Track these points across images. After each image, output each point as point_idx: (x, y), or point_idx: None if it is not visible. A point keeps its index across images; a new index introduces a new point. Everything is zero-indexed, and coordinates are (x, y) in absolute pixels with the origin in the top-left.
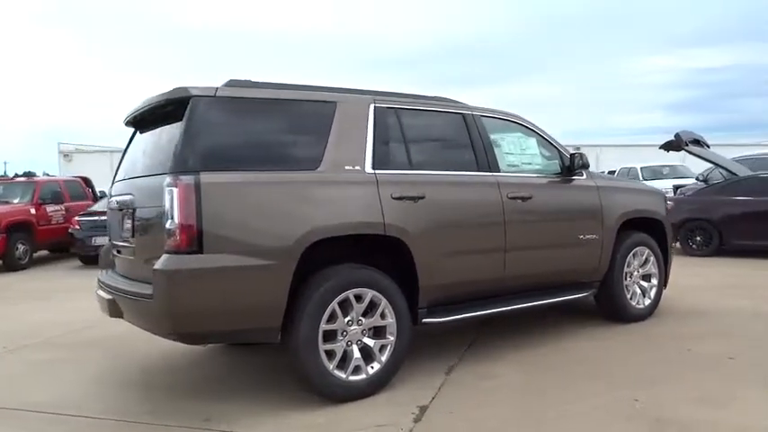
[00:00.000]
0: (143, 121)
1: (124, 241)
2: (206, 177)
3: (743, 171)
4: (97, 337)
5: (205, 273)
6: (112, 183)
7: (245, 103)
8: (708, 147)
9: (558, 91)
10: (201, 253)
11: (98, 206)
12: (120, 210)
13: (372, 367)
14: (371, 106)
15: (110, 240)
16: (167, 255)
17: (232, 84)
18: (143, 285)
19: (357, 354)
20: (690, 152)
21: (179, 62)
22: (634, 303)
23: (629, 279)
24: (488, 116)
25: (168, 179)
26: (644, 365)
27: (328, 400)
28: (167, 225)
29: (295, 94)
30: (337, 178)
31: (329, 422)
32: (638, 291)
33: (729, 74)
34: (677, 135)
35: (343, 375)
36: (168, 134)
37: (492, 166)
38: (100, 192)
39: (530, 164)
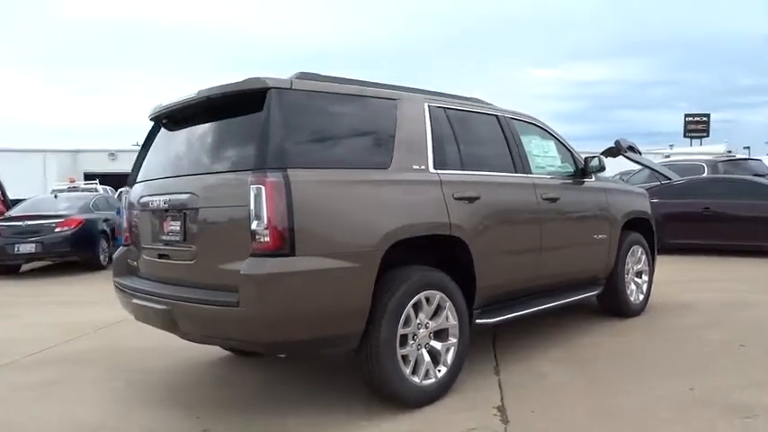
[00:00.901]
0: (186, 115)
1: (171, 245)
2: (293, 174)
3: (675, 176)
4: (81, 351)
5: (298, 276)
6: (130, 184)
7: (319, 97)
8: (640, 153)
9: None
10: (293, 255)
11: (17, 211)
12: (166, 211)
13: (440, 371)
14: (426, 105)
15: (132, 244)
16: (255, 258)
17: (303, 76)
18: (215, 292)
19: (427, 357)
20: (628, 158)
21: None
22: (632, 299)
23: (627, 276)
24: (516, 118)
25: (253, 176)
26: (673, 356)
27: (397, 407)
28: (254, 226)
29: (363, 90)
30: (409, 178)
31: (418, 430)
32: (634, 287)
33: (607, 87)
34: (617, 142)
35: (417, 380)
36: (235, 128)
37: (525, 167)
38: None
39: (552, 166)
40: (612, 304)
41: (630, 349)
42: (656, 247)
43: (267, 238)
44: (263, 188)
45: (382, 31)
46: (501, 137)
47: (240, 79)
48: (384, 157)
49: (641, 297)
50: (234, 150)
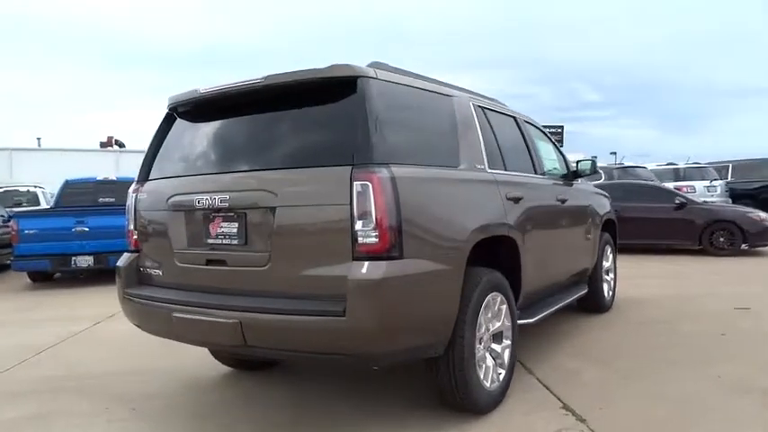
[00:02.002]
0: (238, 103)
1: (225, 249)
2: (396, 170)
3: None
4: (47, 378)
5: (408, 281)
6: (141, 181)
7: (397, 89)
8: None
9: None
10: (402, 258)
11: None
12: (217, 211)
13: (500, 374)
14: (471, 103)
15: (145, 250)
16: (364, 262)
17: (379, 66)
18: (305, 302)
19: (491, 361)
20: None
21: None
22: (606, 295)
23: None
24: (527, 120)
25: (356, 172)
26: (674, 348)
27: (464, 416)
28: (358, 226)
29: (427, 85)
30: (478, 177)
31: None
32: (605, 284)
33: None
34: None
35: (487, 385)
36: (317, 119)
37: (541, 169)
38: None
39: (554, 168)
40: (591, 301)
41: (629, 342)
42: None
43: (375, 240)
44: (369, 185)
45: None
46: (521, 138)
47: (321, 66)
48: (453, 155)
49: (610, 293)
50: (320, 143)
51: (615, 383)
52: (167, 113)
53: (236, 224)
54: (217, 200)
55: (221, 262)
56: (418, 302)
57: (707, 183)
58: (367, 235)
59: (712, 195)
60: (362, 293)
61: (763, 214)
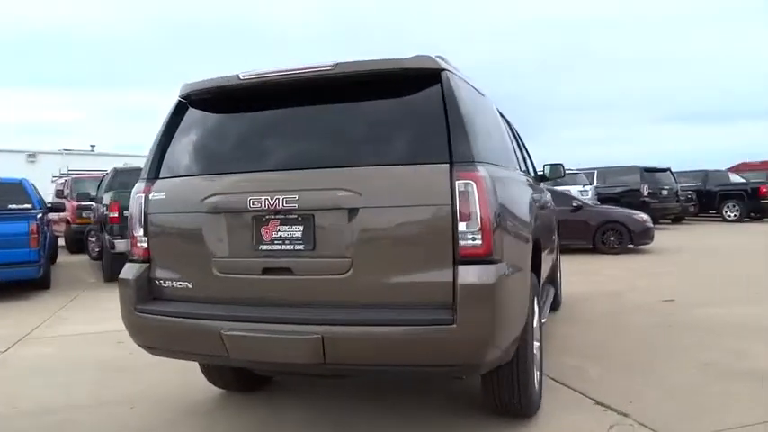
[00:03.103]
0: (288, 92)
1: (287, 256)
2: (490, 169)
3: None
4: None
5: (509, 284)
6: (149, 179)
7: (469, 87)
8: None
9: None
10: (502, 260)
11: None
12: (275, 213)
13: (536, 374)
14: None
15: (164, 260)
16: (470, 266)
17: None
18: (402, 311)
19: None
20: None
21: None
22: (559, 292)
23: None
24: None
25: (458, 170)
26: (642, 341)
27: (510, 420)
28: (462, 228)
29: (474, 83)
30: (521, 177)
31: None
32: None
33: None
34: None
35: (536, 386)
36: (396, 111)
37: (529, 169)
38: None
39: (529, 168)
40: (554, 299)
41: (600, 338)
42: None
43: (479, 242)
44: (473, 184)
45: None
46: (516, 139)
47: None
48: (505, 156)
49: (560, 291)
50: (402, 139)
51: (622, 378)
52: (178, 103)
53: (301, 227)
54: (281, 200)
55: (285, 271)
56: (513, 306)
57: (580, 187)
58: (471, 237)
59: (585, 199)
60: (476, 299)
61: (645, 216)
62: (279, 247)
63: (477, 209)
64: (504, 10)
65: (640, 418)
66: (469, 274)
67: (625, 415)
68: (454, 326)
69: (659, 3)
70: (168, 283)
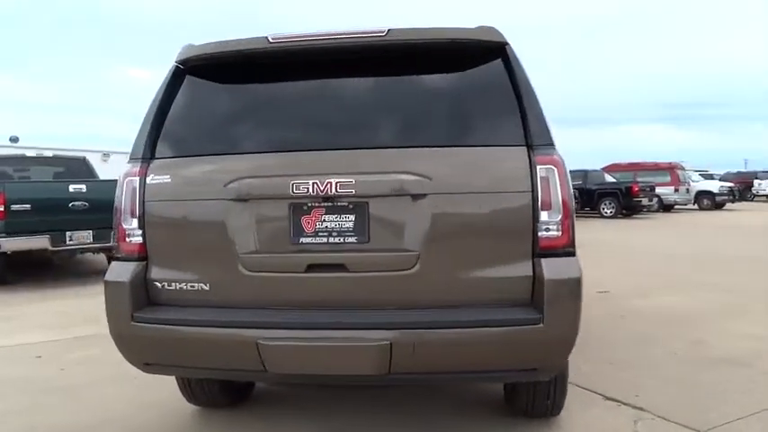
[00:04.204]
0: (324, 60)
1: (342, 250)
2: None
3: None
4: None
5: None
6: (143, 158)
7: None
8: None
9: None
10: (574, 255)
11: None
12: (323, 200)
13: None
14: None
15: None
16: (553, 258)
17: None
18: (480, 310)
19: None
20: None
21: None
22: None
23: None
24: None
25: (539, 154)
26: (604, 334)
27: (530, 419)
28: (544, 217)
29: None
30: None
31: None
32: None
33: None
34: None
35: None
36: (450, 87)
37: None
38: None
39: None
40: None
41: None
42: None
43: (558, 233)
44: (554, 169)
45: None
46: None
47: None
48: None
49: None
50: (468, 117)
51: (613, 371)
52: (175, 70)
53: (353, 217)
54: (333, 185)
55: (337, 267)
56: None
57: None
58: (551, 228)
59: None
60: (564, 296)
61: None
62: (324, 239)
63: (558, 196)
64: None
65: (657, 411)
66: (556, 268)
67: (641, 409)
68: (541, 325)
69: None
70: (174, 286)
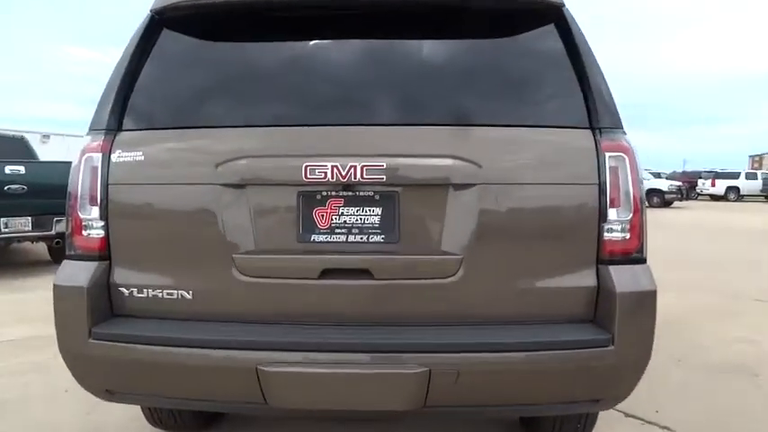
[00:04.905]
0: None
1: (365, 251)
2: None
3: None
4: None
5: None
6: (108, 132)
7: None
8: None
9: None
10: (645, 261)
11: None
12: (344, 188)
13: None
14: None
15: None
16: (622, 266)
17: None
18: (532, 329)
19: None
20: None
21: None
22: None
23: None
24: None
25: (607, 139)
26: None
27: None
28: (612, 216)
29: None
30: None
31: None
32: None
33: None
34: None
35: None
36: (497, 53)
37: None
38: None
39: None
40: None
41: None
42: None
43: (627, 235)
44: (625, 158)
45: None
46: None
47: None
48: None
49: None
50: (523, 91)
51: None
52: (150, 21)
53: (379, 209)
54: (359, 169)
55: (360, 274)
56: None
57: None
58: (620, 228)
59: None
60: (638, 312)
61: None
62: (343, 238)
63: (629, 191)
64: None
65: (681, 428)
66: (627, 279)
67: (667, 429)
68: (611, 348)
69: None
70: (146, 293)
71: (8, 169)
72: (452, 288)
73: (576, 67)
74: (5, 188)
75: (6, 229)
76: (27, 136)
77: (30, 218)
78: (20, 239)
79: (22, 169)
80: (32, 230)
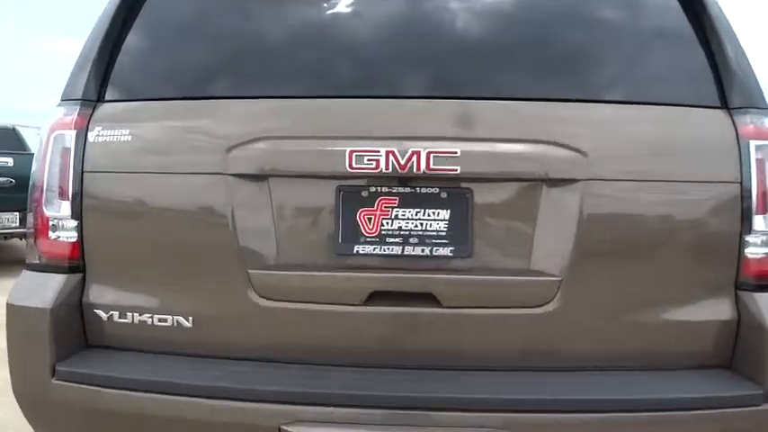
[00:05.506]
0: None
1: (426, 269)
2: None
3: None
4: None
5: None
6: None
7: None
8: None
9: None
10: None
11: None
12: (404, 183)
13: None
14: None
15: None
16: None
17: None
18: (659, 378)
19: None
20: None
21: None
22: None
23: None
24: None
25: (748, 123)
26: None
27: None
28: (759, 225)
29: None
30: None
31: None
32: None
33: None
34: None
35: None
36: (603, 15)
37: None
38: None
39: None
40: None
41: None
42: None
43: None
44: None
45: None
46: None
47: None
48: None
49: None
50: (633, 60)
51: None
52: None
53: (446, 211)
54: (423, 158)
55: (419, 299)
56: None
57: None
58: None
59: None
60: None
61: None
62: (397, 249)
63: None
64: None
65: None
66: None
67: None
68: (765, 406)
69: None
70: (130, 318)
71: None
72: (546, 321)
73: (705, 34)
74: None
75: None
76: (24, 130)
77: (17, 213)
78: (6, 236)
79: (9, 161)
80: (20, 226)
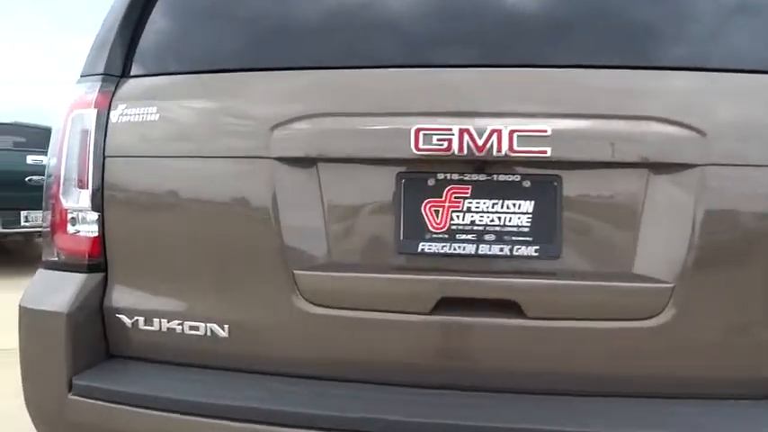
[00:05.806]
0: None
1: (508, 272)
2: None
3: None
4: None
5: None
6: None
7: None
8: None
9: None
10: None
11: None
12: (480, 168)
13: None
14: None
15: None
16: None
17: None
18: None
19: None
20: None
21: None
22: None
23: None
24: None
25: None
26: None
27: None
28: None
29: None
30: None
31: None
32: None
33: None
34: None
35: None
36: None
37: None
38: None
39: None
40: None
41: None
42: None
43: None
44: None
45: None
46: None
47: None
48: None
49: None
50: (729, 20)
51: None
52: None
53: (530, 203)
54: (505, 138)
55: (500, 307)
56: None
57: None
58: None
59: None
60: None
61: None
62: (471, 248)
63: None
64: None
65: None
66: None
67: None
68: None
69: None
70: (159, 324)
71: (30, 159)
72: (654, 336)
73: None
74: (27, 180)
75: (26, 223)
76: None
77: None
78: (40, 234)
79: (45, 160)
80: None
